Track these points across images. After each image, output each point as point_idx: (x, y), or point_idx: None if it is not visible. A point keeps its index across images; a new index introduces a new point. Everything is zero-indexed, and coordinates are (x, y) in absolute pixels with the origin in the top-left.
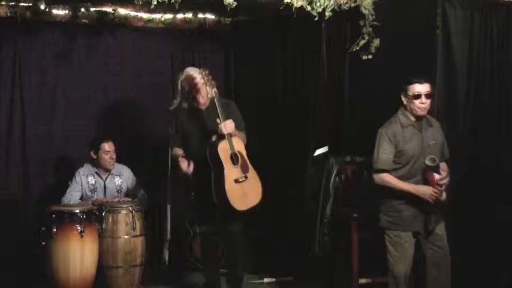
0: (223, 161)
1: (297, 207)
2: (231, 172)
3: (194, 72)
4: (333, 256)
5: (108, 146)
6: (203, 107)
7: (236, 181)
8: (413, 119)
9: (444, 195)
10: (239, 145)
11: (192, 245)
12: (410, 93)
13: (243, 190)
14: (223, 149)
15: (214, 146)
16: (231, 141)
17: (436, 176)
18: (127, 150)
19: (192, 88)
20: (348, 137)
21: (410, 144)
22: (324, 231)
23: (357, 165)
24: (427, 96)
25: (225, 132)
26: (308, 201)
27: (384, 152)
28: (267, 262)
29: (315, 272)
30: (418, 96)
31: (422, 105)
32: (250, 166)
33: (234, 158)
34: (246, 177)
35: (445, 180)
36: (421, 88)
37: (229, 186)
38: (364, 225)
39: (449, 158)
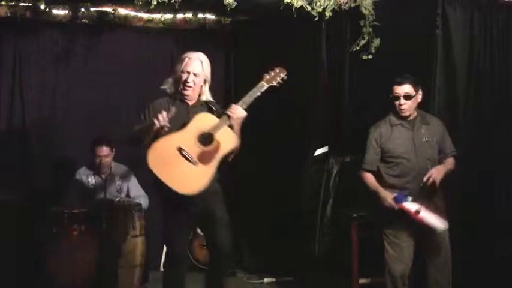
0: (186, 126)
1: (297, 207)
2: (181, 137)
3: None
4: (333, 256)
5: (98, 151)
6: (190, 102)
7: (180, 150)
8: (402, 118)
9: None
10: (225, 140)
11: (192, 245)
12: (391, 95)
13: (181, 167)
14: (200, 119)
15: (190, 110)
16: (221, 126)
17: (408, 209)
18: (126, 150)
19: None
20: (348, 137)
21: (398, 143)
22: (324, 231)
23: (357, 165)
24: (406, 97)
25: (230, 112)
26: (308, 201)
27: (369, 153)
28: (267, 262)
29: (315, 272)
30: (397, 98)
31: (401, 106)
32: (212, 165)
33: (204, 137)
34: (194, 163)
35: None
36: (399, 89)
37: (163, 146)
38: (364, 225)
39: (456, 154)
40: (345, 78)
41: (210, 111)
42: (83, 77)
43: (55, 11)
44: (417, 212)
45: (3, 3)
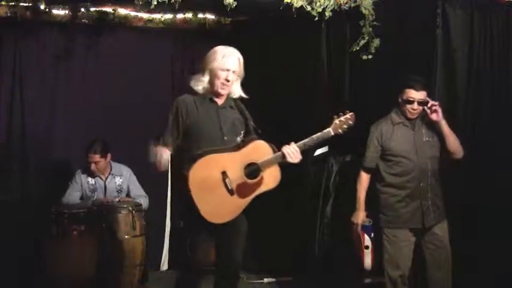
0: (240, 149)
1: (297, 207)
2: (230, 161)
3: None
4: (333, 256)
5: (89, 157)
6: (219, 102)
7: (223, 174)
8: (404, 118)
9: None
10: (270, 178)
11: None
12: (404, 96)
13: (218, 192)
14: (255, 147)
15: (220, 111)
16: (272, 164)
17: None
18: (126, 150)
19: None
20: (348, 137)
21: (399, 142)
22: (324, 231)
23: (357, 165)
24: (420, 103)
25: (287, 153)
26: (308, 201)
27: (369, 151)
28: (267, 262)
29: (315, 272)
30: (411, 102)
31: (413, 110)
32: (247, 200)
33: (251, 169)
34: (231, 193)
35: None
36: (416, 95)
37: (211, 163)
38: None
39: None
40: (345, 78)
41: (241, 114)
42: (82, 77)
43: (55, 11)
44: (366, 247)
45: (3, 3)
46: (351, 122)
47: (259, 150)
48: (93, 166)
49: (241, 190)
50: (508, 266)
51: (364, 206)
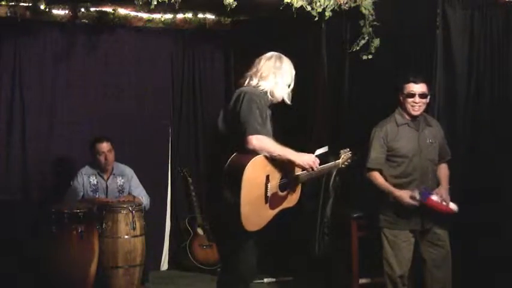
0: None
1: (297, 207)
2: (275, 167)
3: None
4: (333, 256)
5: (101, 147)
6: None
7: (267, 178)
8: (408, 118)
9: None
10: (293, 196)
11: (192, 245)
12: (405, 91)
13: (258, 194)
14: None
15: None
16: (301, 181)
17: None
18: (127, 150)
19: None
20: (348, 136)
21: (404, 143)
22: (324, 231)
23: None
24: (421, 96)
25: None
26: (308, 201)
27: (376, 152)
28: (267, 262)
29: (315, 272)
30: (412, 95)
31: (415, 104)
32: (273, 213)
33: (284, 181)
34: (265, 200)
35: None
36: (416, 88)
37: (262, 164)
38: (364, 225)
39: (450, 159)
40: (344, 78)
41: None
42: (82, 76)
43: (55, 11)
44: (444, 202)
45: (3, 3)
46: (352, 158)
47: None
48: (103, 158)
49: (272, 201)
50: (509, 266)
51: (392, 187)
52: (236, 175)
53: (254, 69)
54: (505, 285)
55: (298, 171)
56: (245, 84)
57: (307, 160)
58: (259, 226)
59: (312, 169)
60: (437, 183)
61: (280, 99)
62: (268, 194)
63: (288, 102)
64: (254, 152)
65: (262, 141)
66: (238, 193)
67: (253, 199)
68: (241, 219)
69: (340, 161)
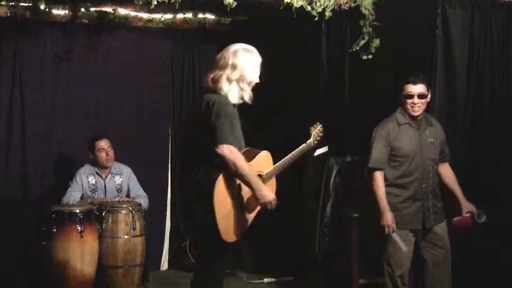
0: (251, 160)
1: (296, 207)
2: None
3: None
4: (333, 256)
5: (102, 144)
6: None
7: (239, 186)
8: (409, 117)
9: None
10: (271, 185)
11: (192, 245)
12: (404, 92)
13: (234, 205)
14: (262, 158)
15: None
16: (272, 175)
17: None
18: (127, 150)
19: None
20: (348, 137)
21: (406, 142)
22: (324, 231)
23: (357, 165)
24: (420, 96)
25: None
26: (308, 201)
27: (378, 151)
28: (267, 262)
29: (315, 272)
30: (410, 96)
31: (414, 105)
32: (251, 216)
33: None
34: (244, 208)
35: None
36: (414, 88)
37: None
38: (364, 225)
39: (450, 159)
40: (345, 78)
41: None
42: (82, 77)
43: (55, 11)
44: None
45: (3, 3)
46: (321, 135)
47: (265, 162)
48: (104, 154)
49: (250, 203)
50: (509, 266)
51: (387, 205)
52: (206, 191)
53: (216, 71)
54: (505, 285)
55: (268, 168)
56: (209, 84)
57: (266, 196)
58: (241, 234)
59: (266, 208)
60: (438, 183)
61: (242, 100)
62: (245, 200)
63: (249, 102)
64: (222, 163)
65: (233, 153)
66: (212, 211)
67: (229, 211)
68: (220, 236)
69: (311, 139)
